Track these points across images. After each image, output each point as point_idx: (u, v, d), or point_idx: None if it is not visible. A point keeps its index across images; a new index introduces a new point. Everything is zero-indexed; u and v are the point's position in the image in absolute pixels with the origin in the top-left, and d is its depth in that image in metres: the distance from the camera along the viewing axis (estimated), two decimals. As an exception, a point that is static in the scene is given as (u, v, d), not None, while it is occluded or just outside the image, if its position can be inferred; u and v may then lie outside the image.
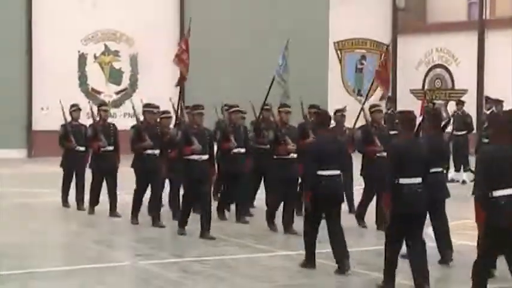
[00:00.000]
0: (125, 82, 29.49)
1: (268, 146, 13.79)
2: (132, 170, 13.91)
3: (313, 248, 10.47)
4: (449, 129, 21.40)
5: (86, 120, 16.71)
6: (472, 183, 13.41)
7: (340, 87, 32.96)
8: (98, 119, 15.16)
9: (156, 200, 13.95)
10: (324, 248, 10.46)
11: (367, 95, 16.89)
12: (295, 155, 13.12)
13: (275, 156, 13.25)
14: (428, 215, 9.66)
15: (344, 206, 14.98)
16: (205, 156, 12.74)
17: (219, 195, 15.18)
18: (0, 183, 18.83)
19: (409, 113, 9.56)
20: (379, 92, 20.08)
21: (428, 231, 10.46)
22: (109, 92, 29.11)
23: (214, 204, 13.97)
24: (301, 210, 12.92)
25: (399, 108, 22.83)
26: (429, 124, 11.11)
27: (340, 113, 15.55)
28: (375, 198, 13.37)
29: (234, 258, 11.13)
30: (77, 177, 15.67)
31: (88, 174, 15.34)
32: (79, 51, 28.72)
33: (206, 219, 12.55)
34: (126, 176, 14.66)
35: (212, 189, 15.33)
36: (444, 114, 18.56)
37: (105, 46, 29.17)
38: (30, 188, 19.00)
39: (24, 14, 27.74)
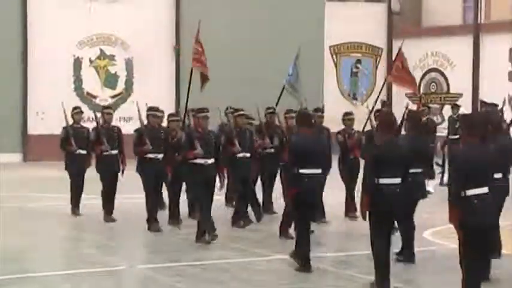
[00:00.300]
0: (120, 86, 29.49)
1: (272, 150, 13.72)
2: (133, 174, 13.86)
3: (307, 252, 10.48)
4: (444, 133, 21.49)
5: (89, 124, 16.49)
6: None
7: (335, 91, 33.03)
8: (101, 122, 15.09)
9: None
10: (319, 252, 10.42)
11: (376, 99, 16.64)
12: None
13: (281, 163, 13.16)
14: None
15: (341, 210, 15.13)
16: (211, 160, 12.51)
17: (233, 202, 14.92)
18: (-4, 188, 18.82)
19: (387, 114, 9.67)
20: (374, 96, 19.99)
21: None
22: (104, 96, 29.10)
23: (228, 212, 14.12)
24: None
25: (394, 112, 22.77)
26: (410, 125, 11.30)
27: (320, 112, 14.95)
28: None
29: (230, 262, 11.11)
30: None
31: (92, 178, 15.26)
32: (74, 55, 28.74)
33: (205, 223, 12.45)
34: (127, 180, 14.71)
35: (225, 195, 15.34)
36: (439, 118, 18.61)
37: (101, 50, 29.19)
38: (26, 192, 18.96)
39: (20, 18, 27.76)
